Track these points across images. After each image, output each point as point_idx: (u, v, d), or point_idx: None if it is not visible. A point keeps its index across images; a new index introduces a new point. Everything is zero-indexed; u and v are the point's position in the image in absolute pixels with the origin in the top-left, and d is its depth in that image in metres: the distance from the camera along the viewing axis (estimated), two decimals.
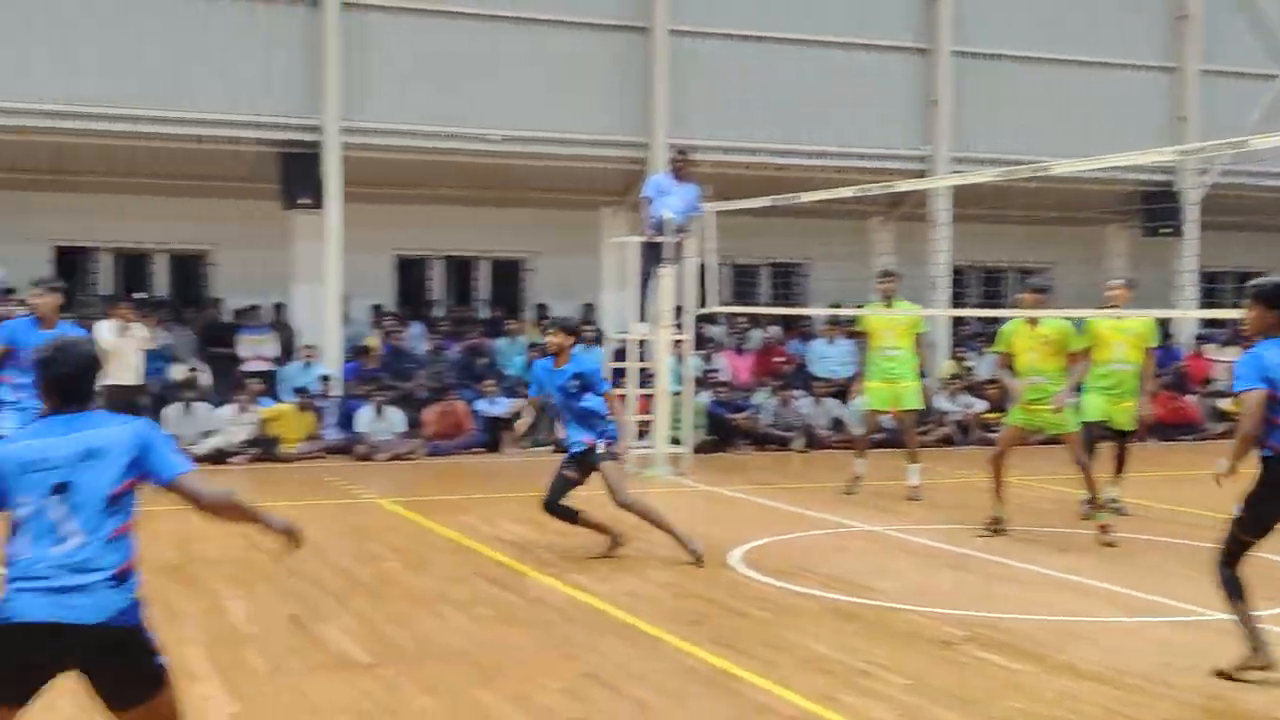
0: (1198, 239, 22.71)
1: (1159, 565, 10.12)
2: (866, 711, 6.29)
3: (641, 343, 16.40)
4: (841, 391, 19.07)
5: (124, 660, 4.28)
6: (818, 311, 20.73)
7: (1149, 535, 11.51)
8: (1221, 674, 6.78)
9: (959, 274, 23.08)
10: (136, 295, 18.05)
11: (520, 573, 9.58)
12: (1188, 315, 22.81)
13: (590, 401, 10.13)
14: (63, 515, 4.24)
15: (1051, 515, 12.46)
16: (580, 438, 10.16)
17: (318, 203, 18.49)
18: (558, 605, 8.50)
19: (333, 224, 18.57)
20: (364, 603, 8.50)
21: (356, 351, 18.90)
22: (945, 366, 20.54)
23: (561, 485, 10.14)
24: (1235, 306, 24.35)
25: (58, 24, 17.61)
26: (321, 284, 18.74)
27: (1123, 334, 12.36)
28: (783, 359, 20.58)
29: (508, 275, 21.74)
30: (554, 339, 10.22)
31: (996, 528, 11.34)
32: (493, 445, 17.93)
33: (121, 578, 4.27)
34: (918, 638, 7.72)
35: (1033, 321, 11.43)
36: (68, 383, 4.41)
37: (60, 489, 4.24)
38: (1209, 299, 24.97)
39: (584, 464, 10.16)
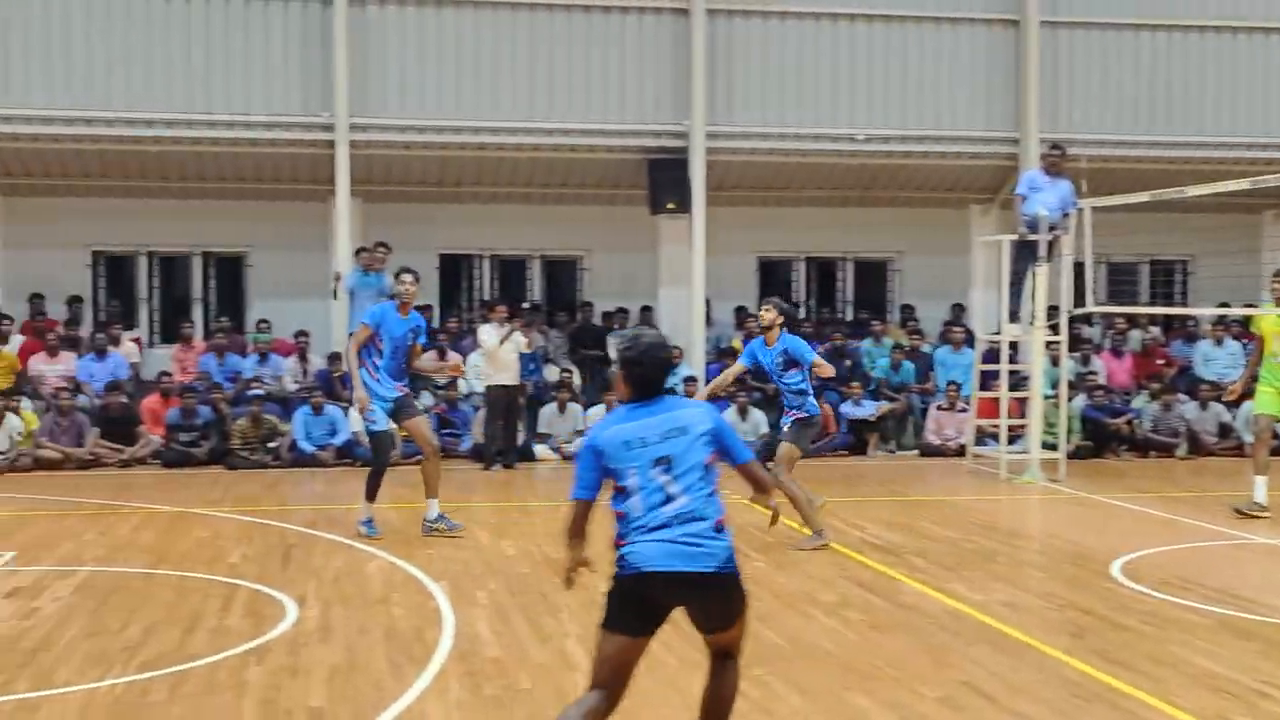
0: None
1: None
2: None
3: (1013, 344, 15.96)
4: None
5: (724, 596, 5.12)
6: (1202, 312, 19.61)
7: None
8: None
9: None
10: (516, 301, 18.90)
11: (890, 577, 9.47)
12: None
13: (793, 379, 10.56)
14: (668, 481, 5.05)
15: None
16: (788, 413, 10.74)
17: (684, 207, 18.87)
18: (931, 612, 8.36)
19: (697, 228, 18.92)
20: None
21: (720, 353, 19.17)
22: None
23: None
24: None
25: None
26: (686, 287, 19.14)
27: None
28: (1164, 361, 19.60)
29: (873, 276, 21.57)
30: (766, 314, 10.77)
31: None
32: (858, 447, 17.84)
33: (719, 528, 5.07)
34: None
35: None
36: (653, 378, 5.21)
37: (662, 461, 5.07)
38: None
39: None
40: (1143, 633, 7.82)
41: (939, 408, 17.90)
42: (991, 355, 16.45)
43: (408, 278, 11.14)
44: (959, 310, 20.14)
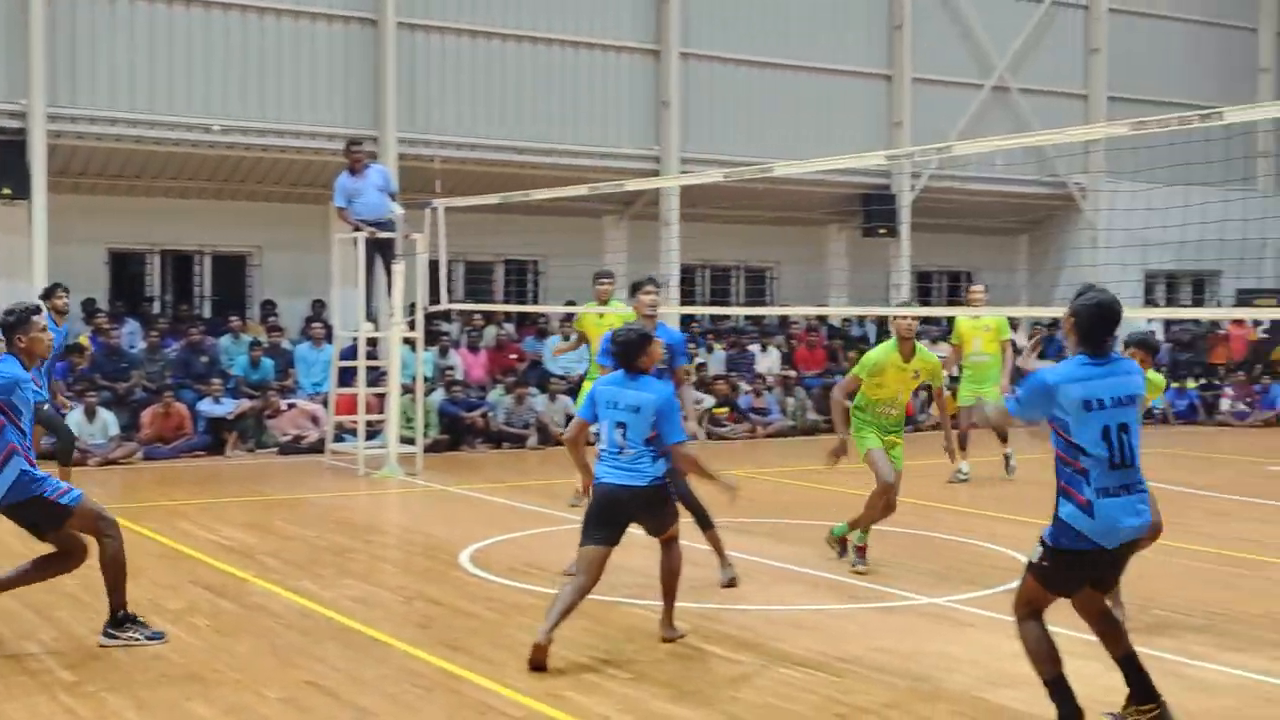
0: (909, 239, 23.80)
1: (870, 553, 10.49)
2: (590, 707, 6.33)
3: (372, 340, 16.15)
4: (574, 389, 19.19)
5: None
6: (551, 309, 20.83)
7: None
8: None
9: (689, 272, 23.54)
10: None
11: (240, 579, 9.29)
12: (903, 313, 23.79)
13: None
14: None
15: (771, 507, 12.79)
16: None
17: (21, 193, 17.55)
18: (279, 612, 8.27)
19: (38, 215, 17.66)
20: (67, 615, 8.08)
21: (67, 350, 17.98)
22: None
23: None
24: (949, 304, 25.60)
25: None
26: (25, 279, 17.78)
27: (980, 330, 14.59)
28: (516, 356, 20.58)
29: (232, 270, 21.07)
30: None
31: None
32: (216, 447, 17.36)
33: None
34: (642, 632, 7.81)
35: None
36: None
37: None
38: (922, 297, 26.19)
39: None
40: (486, 619, 8.15)
41: (290, 405, 17.81)
42: (351, 351, 16.57)
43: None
44: (320, 306, 20.11)
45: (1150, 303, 26.32)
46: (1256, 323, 25.07)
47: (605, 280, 12.88)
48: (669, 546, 7.63)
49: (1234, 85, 27.63)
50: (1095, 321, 5.76)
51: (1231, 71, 27.90)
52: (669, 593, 7.65)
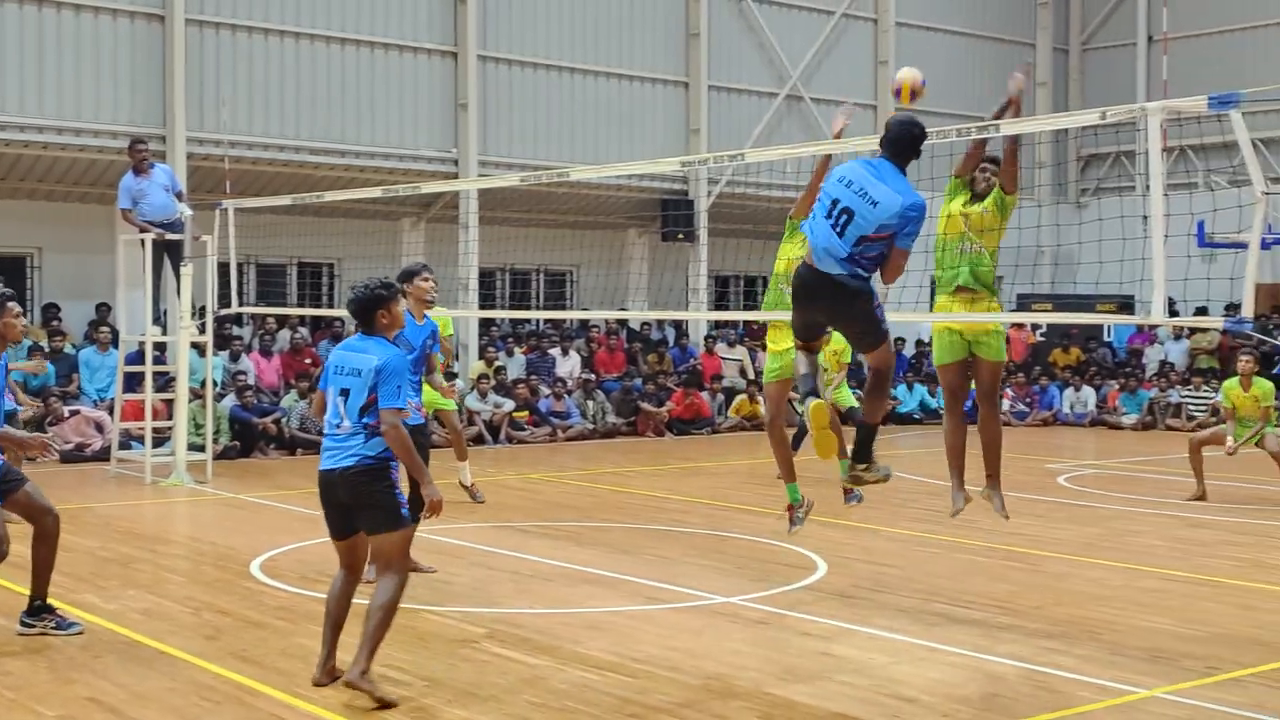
0: (708, 244, 24.18)
1: (665, 554, 10.65)
2: (384, 716, 6.28)
3: (160, 345, 15.70)
4: None
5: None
6: (346, 313, 20.51)
7: (660, 526, 12.10)
8: None
9: (488, 275, 23.48)
10: None
11: (17, 593, 8.92)
12: (701, 316, 24.22)
13: None
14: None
15: (570, 510, 12.86)
16: None
17: None
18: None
19: None
20: None
21: None
22: (475, 367, 20.81)
23: None
24: (745, 308, 26.07)
25: None
26: None
27: None
28: (311, 360, 20.22)
29: (11, 273, 20.19)
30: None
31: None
32: None
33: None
34: (438, 638, 7.77)
35: None
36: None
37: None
38: (720, 301, 26.63)
39: None
40: (277, 629, 8.01)
41: (73, 413, 17.20)
42: (138, 356, 16.06)
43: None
44: (104, 310, 19.45)
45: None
46: (1035, 326, 26.16)
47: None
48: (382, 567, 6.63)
49: None
50: None
51: None
52: (369, 635, 6.52)
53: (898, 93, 8.60)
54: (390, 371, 6.51)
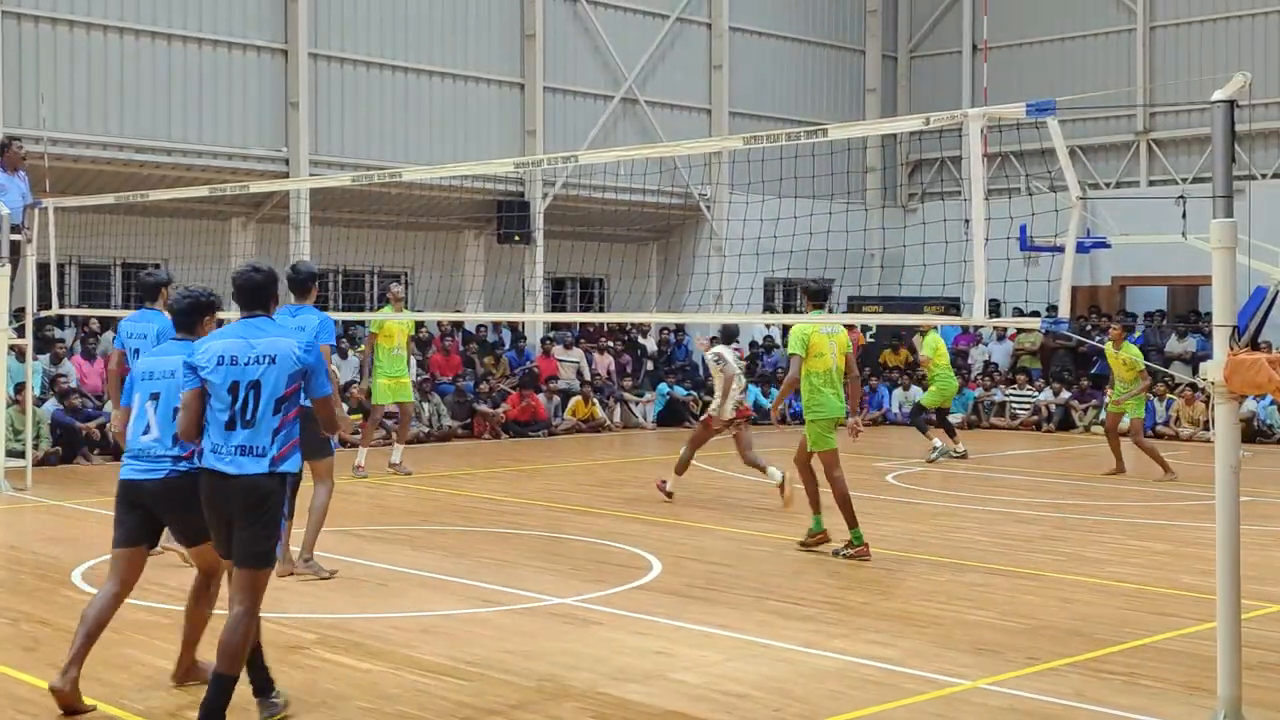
0: (544, 246, 24.19)
1: (501, 556, 10.62)
2: None
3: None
4: None
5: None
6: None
7: (496, 528, 12.07)
8: None
9: (321, 277, 23.08)
10: None
11: None
12: (538, 318, 24.22)
13: None
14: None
15: (405, 514, 12.75)
16: None
17: None
18: None
19: None
20: None
21: None
22: None
23: None
24: (580, 310, 26.12)
25: None
26: None
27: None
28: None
29: None
30: None
31: None
32: None
33: None
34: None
35: None
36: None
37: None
38: (556, 303, 26.64)
39: None
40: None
41: None
42: None
43: None
44: None
45: (769, 308, 27.62)
46: (865, 328, 26.71)
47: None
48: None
49: (844, 104, 29.41)
50: None
51: (843, 91, 29.67)
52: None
53: None
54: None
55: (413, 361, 19.29)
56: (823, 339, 10.79)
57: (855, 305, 24.94)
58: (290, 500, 7.23)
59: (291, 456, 6.01)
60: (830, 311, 28.21)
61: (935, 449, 18.03)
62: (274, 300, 6.22)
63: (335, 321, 9.80)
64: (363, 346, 15.94)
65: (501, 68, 24.30)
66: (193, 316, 6.62)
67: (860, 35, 30.20)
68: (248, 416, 5.90)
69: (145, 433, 6.39)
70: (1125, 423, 16.44)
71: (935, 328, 18.82)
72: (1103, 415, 17.32)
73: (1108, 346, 16.51)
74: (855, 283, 25.80)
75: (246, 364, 5.92)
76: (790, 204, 13.80)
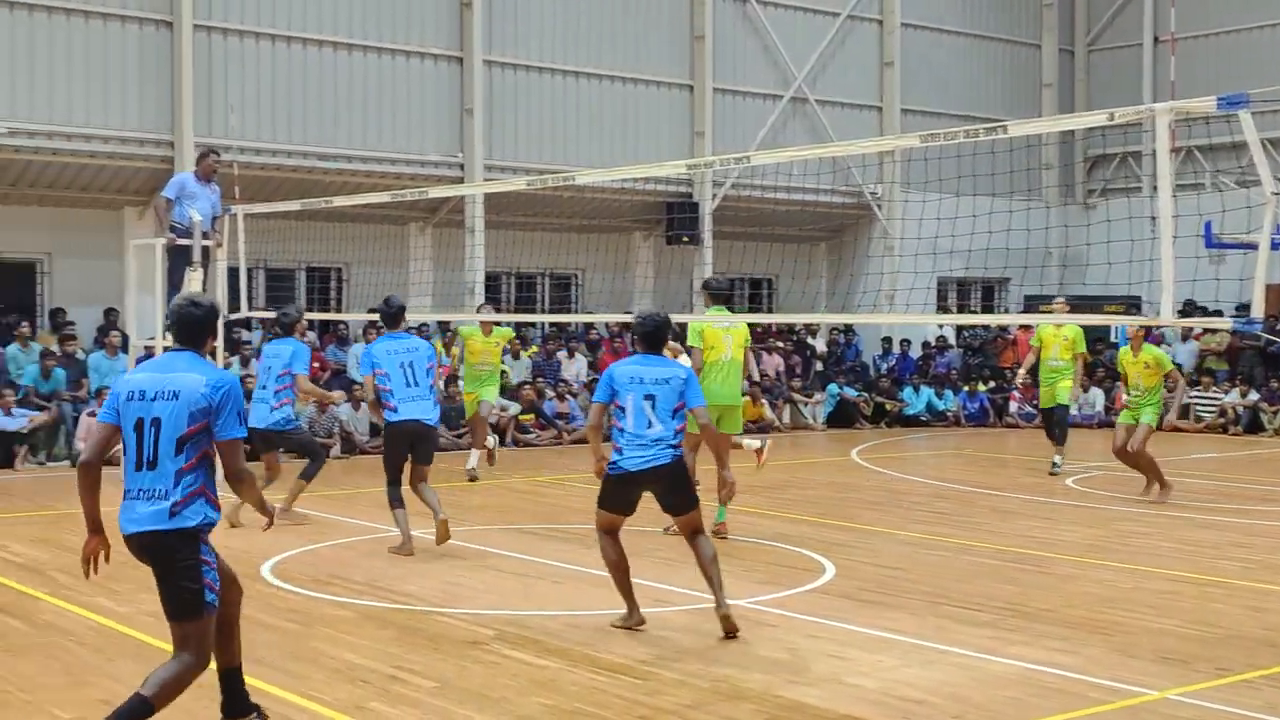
0: (712, 247, 24.20)
1: (671, 556, 10.65)
2: (394, 718, 6.31)
3: (168, 349, 15.73)
4: None
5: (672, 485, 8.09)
6: (353, 317, 20.58)
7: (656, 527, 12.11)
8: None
9: (494, 279, 23.51)
10: None
11: (31, 596, 8.98)
12: (706, 319, 24.20)
13: None
14: (650, 411, 7.92)
15: (576, 513, 12.87)
16: None
17: None
18: (71, 629, 8.04)
19: None
20: None
21: None
22: None
23: None
24: (750, 311, 26.09)
25: None
26: None
27: (1059, 339, 15.84)
28: (320, 365, 20.26)
29: (20, 278, 20.27)
30: None
31: None
32: (5, 461, 16.68)
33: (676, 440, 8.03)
34: (447, 640, 7.81)
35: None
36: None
37: (649, 398, 7.94)
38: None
39: None
40: (288, 631, 8.04)
41: (90, 414, 17.23)
42: (148, 360, 16.09)
43: None
44: (113, 314, 19.51)
45: (943, 309, 27.24)
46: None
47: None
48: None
49: (1020, 100, 28.83)
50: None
51: (1017, 86, 29.10)
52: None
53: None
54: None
55: (509, 367, 19.92)
56: (716, 333, 11.75)
57: (1032, 305, 24.42)
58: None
59: (194, 504, 5.55)
60: (1006, 311, 27.80)
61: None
62: (211, 336, 5.86)
63: (512, 325, 10.04)
64: (455, 350, 16.33)
65: (670, 70, 24.41)
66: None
67: (1036, 29, 29.57)
68: (149, 457, 5.54)
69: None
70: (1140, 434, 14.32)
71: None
72: None
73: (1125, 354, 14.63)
74: (1034, 282, 25.38)
75: (153, 399, 5.54)
76: (965, 202, 13.57)
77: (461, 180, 21.64)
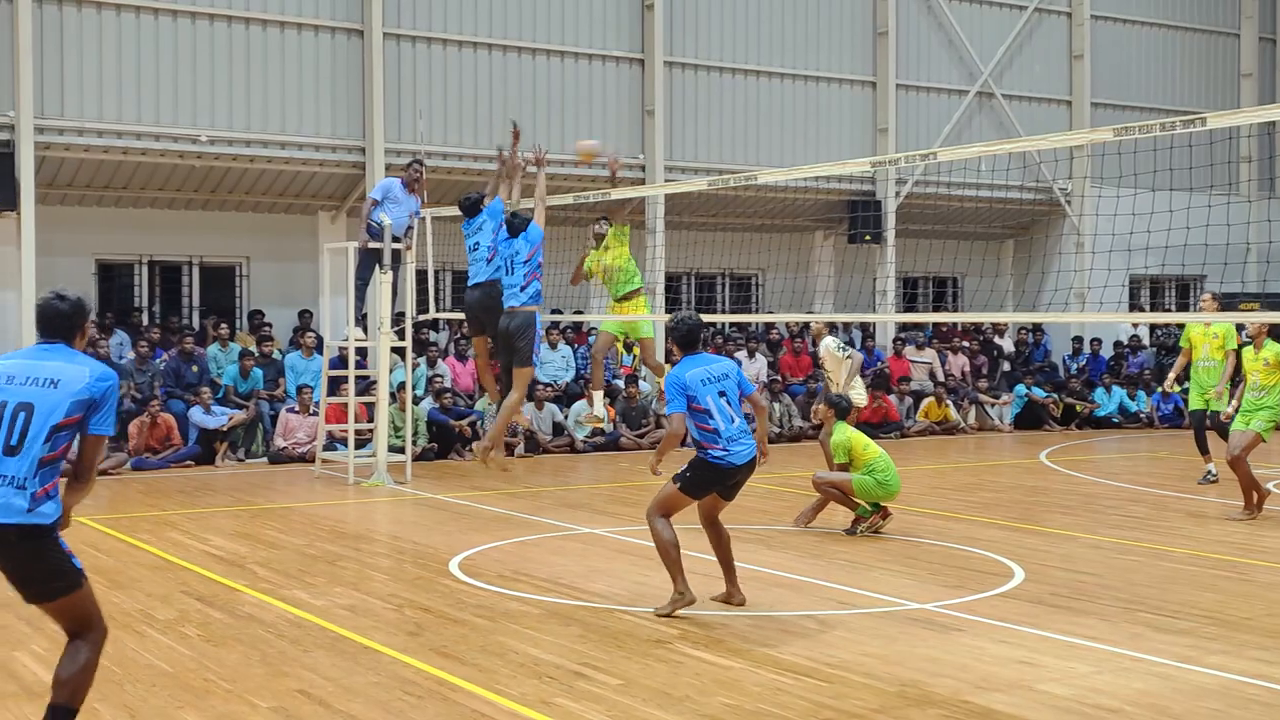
0: (895, 246, 23.88)
1: (854, 558, 10.56)
2: (579, 714, 6.37)
3: (361, 349, 16.19)
4: (561, 397, 19.53)
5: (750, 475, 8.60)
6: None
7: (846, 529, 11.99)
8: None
9: (674, 280, 23.60)
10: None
11: (231, 589, 9.32)
12: (889, 319, 23.95)
13: None
14: (728, 406, 8.36)
15: (757, 513, 12.84)
16: None
17: (10, 205, 17.56)
18: (270, 621, 8.31)
19: (27, 226, 17.68)
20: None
21: None
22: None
23: None
24: (935, 309, 25.68)
25: None
26: (14, 290, 17.81)
27: (1209, 338, 14.85)
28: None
29: (220, 280, 21.07)
30: None
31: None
32: (207, 457, 17.36)
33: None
34: (631, 637, 7.86)
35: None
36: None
37: (722, 394, 8.37)
38: (908, 303, 26.26)
39: None
40: (476, 626, 8.19)
41: (290, 410, 17.84)
42: (340, 360, 16.59)
43: None
44: (307, 316, 20.14)
45: (1135, 307, 26.44)
46: (1240, 327, 25.17)
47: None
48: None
49: (1217, 91, 27.83)
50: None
51: (1215, 77, 28.10)
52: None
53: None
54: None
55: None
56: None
57: (1229, 303, 23.50)
58: None
59: (48, 502, 5.27)
60: (1201, 310, 26.79)
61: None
62: (80, 332, 5.56)
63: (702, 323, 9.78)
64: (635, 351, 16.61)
65: (853, 67, 24.19)
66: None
67: (1234, 18, 28.51)
68: (13, 442, 5.26)
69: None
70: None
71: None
72: None
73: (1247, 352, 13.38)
74: (1234, 279, 24.44)
75: (24, 384, 5.33)
76: (1159, 197, 13.15)
77: (643, 181, 21.76)
